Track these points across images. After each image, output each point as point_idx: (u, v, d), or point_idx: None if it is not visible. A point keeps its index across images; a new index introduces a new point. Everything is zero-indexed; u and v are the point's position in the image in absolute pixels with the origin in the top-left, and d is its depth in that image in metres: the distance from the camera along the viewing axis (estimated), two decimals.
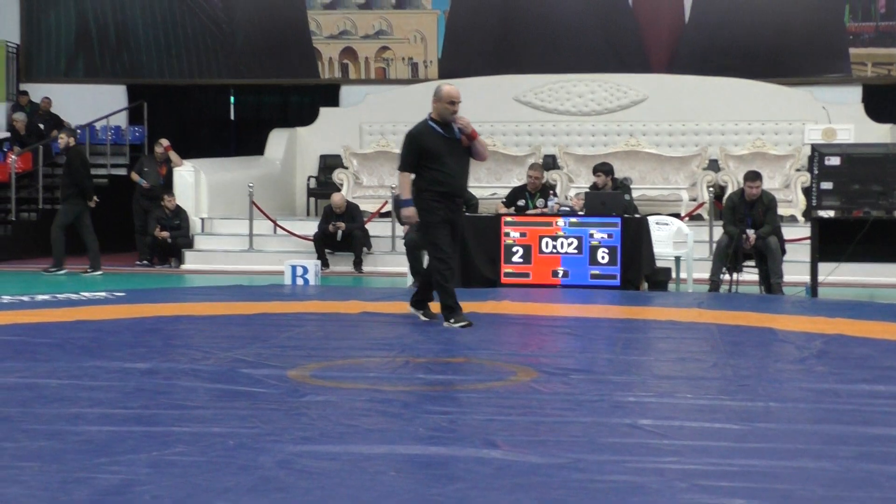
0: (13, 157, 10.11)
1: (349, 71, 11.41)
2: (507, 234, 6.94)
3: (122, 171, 10.98)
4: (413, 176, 4.84)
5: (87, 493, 2.11)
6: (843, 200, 6.27)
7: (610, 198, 6.81)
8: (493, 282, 6.83)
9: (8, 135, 10.97)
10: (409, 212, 4.81)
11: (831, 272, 6.48)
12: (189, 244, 9.28)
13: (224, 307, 5.68)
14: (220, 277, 8.24)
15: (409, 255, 7.14)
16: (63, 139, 8.37)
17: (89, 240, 8.24)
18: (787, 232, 7.45)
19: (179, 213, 9.30)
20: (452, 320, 4.71)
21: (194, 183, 9.49)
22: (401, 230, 8.23)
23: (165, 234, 9.13)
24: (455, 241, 4.88)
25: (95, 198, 8.30)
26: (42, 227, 9.37)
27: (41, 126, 10.97)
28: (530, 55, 10.84)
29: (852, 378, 3.33)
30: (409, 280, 7.11)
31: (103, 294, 6.25)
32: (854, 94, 10.42)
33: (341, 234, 8.82)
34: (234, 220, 9.54)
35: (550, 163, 9.93)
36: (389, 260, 8.88)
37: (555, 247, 6.83)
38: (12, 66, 11.64)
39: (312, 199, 10.68)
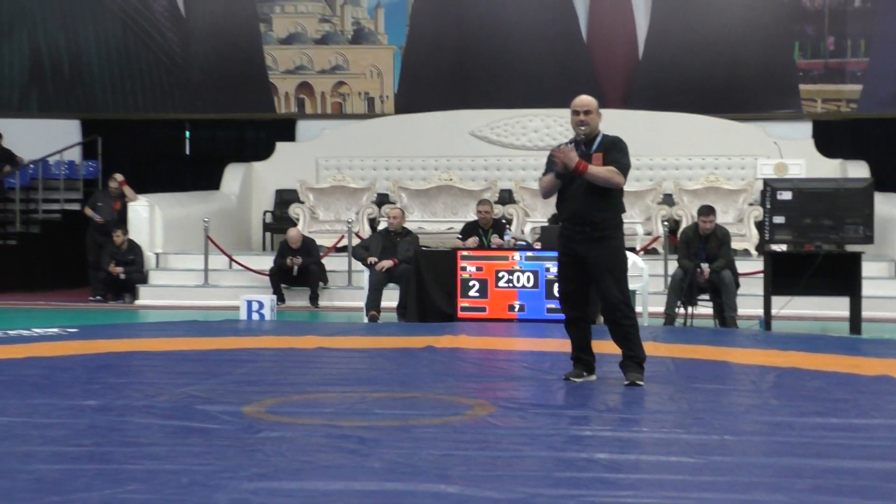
0: None
1: (305, 106, 15.87)
2: (464, 269, 9.69)
3: (76, 206, 14.97)
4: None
5: None
6: (795, 234, 9.08)
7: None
8: (450, 316, 9.58)
9: None
10: (562, 151, 5.91)
11: (784, 305, 9.41)
12: (143, 279, 12.73)
13: (178, 343, 7.63)
14: (174, 313, 11.21)
15: (371, 292, 10.04)
16: None
17: None
18: (741, 266, 10.57)
19: (133, 248, 12.76)
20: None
21: (149, 218, 13.11)
22: (357, 265, 11.21)
23: (119, 269, 12.54)
24: (587, 275, 5.99)
25: None
26: None
27: None
28: (486, 90, 15.26)
29: (805, 411, 5.18)
30: (365, 316, 10.27)
31: (56, 330, 8.59)
32: (805, 129, 14.75)
33: (297, 268, 12.09)
34: (189, 255, 13.11)
35: (507, 197, 14.26)
36: (346, 295, 12.31)
37: (511, 281, 9.55)
38: None
39: (268, 234, 14.83)
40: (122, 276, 12.54)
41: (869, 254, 10.41)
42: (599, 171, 5.86)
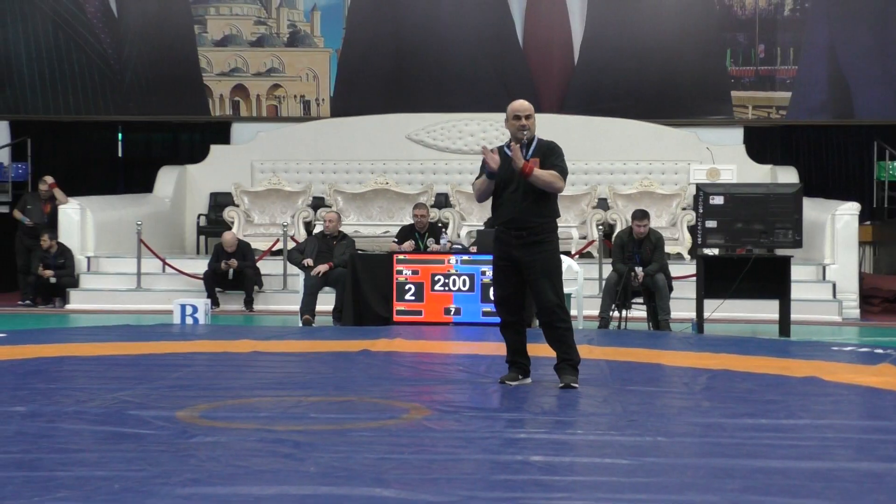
0: None
1: (240, 108, 15.84)
2: (400, 272, 9.75)
3: (5, 209, 14.60)
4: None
5: None
6: (726, 238, 9.24)
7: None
8: (386, 319, 9.64)
9: None
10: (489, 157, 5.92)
11: (716, 309, 9.55)
12: (74, 283, 12.49)
13: (111, 347, 7.57)
14: (106, 317, 11.10)
15: (307, 295, 10.03)
16: None
17: None
18: (674, 269, 10.67)
19: (63, 251, 12.52)
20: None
21: (80, 221, 12.93)
22: (292, 269, 11.11)
23: (49, 272, 12.31)
24: (522, 279, 5.99)
25: None
26: None
27: None
28: (423, 94, 15.33)
29: (736, 412, 5.27)
30: (300, 320, 10.29)
31: None
32: (736, 135, 15.01)
33: (232, 272, 11.98)
34: (122, 258, 12.98)
35: (443, 201, 14.37)
36: (281, 298, 12.25)
37: (447, 284, 9.67)
38: None
39: (202, 238, 14.65)
40: (53, 280, 12.33)
41: (798, 258, 10.63)
42: (543, 174, 5.91)
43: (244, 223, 13.90)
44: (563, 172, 6.00)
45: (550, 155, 6.01)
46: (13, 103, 15.73)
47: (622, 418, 5.12)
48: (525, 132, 5.99)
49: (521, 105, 6.05)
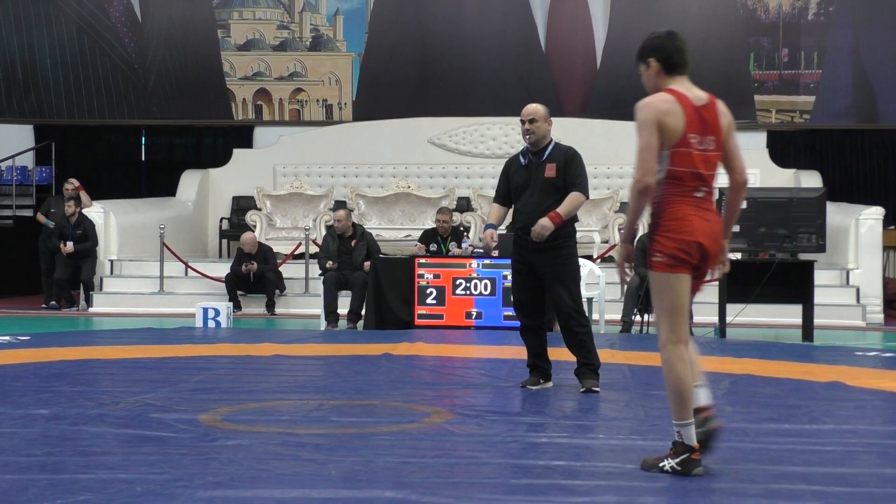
0: None
1: (263, 112, 15.94)
2: (422, 276, 9.77)
3: (29, 213, 14.84)
4: (501, 207, 6.15)
5: None
6: (749, 243, 9.18)
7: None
8: (408, 323, 9.68)
9: None
10: (486, 233, 6.13)
11: (738, 313, 9.54)
12: (92, 256, 12.51)
13: (134, 350, 7.68)
14: (129, 320, 11.24)
15: (327, 294, 10.06)
16: None
17: None
18: None
19: (83, 221, 12.50)
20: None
21: (103, 224, 13.01)
22: (314, 273, 11.15)
23: (69, 248, 12.28)
24: (540, 283, 6.02)
25: None
26: None
27: None
28: (445, 98, 15.44)
29: (759, 417, 5.28)
30: (323, 323, 10.39)
31: (7, 338, 8.56)
32: (759, 139, 14.91)
33: (253, 275, 12.04)
34: (145, 261, 13.14)
35: (465, 205, 14.47)
36: (302, 302, 12.31)
37: (468, 288, 9.69)
38: None
39: (225, 241, 14.83)
40: (69, 250, 12.22)
41: (821, 262, 10.58)
42: (566, 208, 5.97)
43: (266, 227, 13.97)
44: (584, 188, 6.06)
45: (570, 164, 6.04)
46: (37, 107, 15.86)
47: (644, 423, 5.11)
48: (528, 136, 6.09)
49: (526, 109, 6.18)
